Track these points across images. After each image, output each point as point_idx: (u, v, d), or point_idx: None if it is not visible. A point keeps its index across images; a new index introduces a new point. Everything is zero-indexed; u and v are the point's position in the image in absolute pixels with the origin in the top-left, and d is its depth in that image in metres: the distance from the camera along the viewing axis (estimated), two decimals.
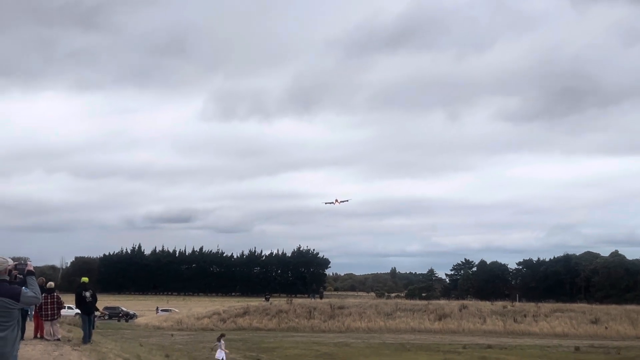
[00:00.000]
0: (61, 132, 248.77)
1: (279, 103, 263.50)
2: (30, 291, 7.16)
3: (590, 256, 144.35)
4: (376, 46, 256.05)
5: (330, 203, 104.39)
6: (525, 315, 57.46)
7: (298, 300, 71.91)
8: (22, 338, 8.02)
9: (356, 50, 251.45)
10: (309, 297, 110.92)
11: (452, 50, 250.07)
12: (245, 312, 60.53)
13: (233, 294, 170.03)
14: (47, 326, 20.64)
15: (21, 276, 7.52)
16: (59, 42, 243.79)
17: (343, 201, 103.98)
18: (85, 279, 22.88)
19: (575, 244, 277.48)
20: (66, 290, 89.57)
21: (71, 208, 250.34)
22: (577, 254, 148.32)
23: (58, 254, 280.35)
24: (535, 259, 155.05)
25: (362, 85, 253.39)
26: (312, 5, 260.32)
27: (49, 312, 20.38)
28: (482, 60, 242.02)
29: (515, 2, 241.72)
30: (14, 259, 7.63)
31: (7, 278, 7.14)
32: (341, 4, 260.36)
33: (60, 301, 21.05)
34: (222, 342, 27.82)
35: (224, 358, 27.41)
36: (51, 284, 21.63)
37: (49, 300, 20.35)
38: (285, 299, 72.82)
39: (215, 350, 28.29)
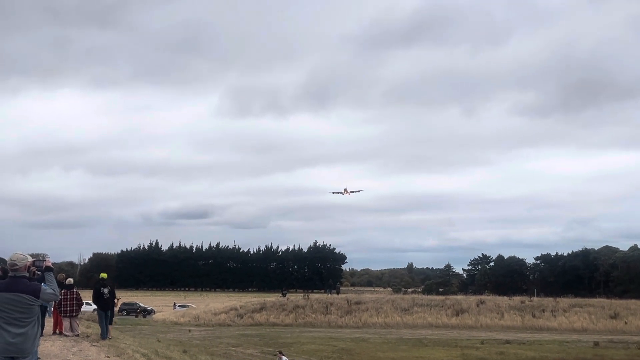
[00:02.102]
0: (78, 129, 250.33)
1: (294, 99, 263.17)
2: (49, 288, 7.18)
3: (609, 250, 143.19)
4: (391, 41, 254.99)
5: (338, 193, 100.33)
6: (543, 311, 57.16)
7: (315, 296, 71.99)
8: (41, 334, 8.05)
9: (371, 45, 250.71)
10: (325, 292, 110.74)
11: (467, 44, 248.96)
12: (262, 308, 60.68)
13: (250, 289, 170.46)
14: (66, 322, 20.74)
15: (39, 272, 7.54)
16: (75, 41, 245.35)
17: (354, 191, 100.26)
18: (104, 275, 22.93)
19: (594, 238, 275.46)
20: (84, 286, 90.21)
21: (89, 204, 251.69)
22: (596, 249, 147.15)
23: (76, 250, 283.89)
24: (553, 253, 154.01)
25: (377, 81, 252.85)
26: (326, 0, 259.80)
27: (68, 309, 20.47)
28: (498, 55, 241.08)
29: None
30: (32, 255, 7.65)
31: (27, 275, 7.17)
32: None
33: (80, 297, 21.13)
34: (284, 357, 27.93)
35: None
36: (70, 280, 21.71)
37: (69, 297, 20.44)
38: (302, 295, 72.90)
39: None
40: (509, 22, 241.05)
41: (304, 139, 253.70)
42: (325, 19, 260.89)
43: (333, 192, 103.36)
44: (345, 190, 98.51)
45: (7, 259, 7.31)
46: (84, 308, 27.07)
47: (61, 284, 19.52)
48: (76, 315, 21.05)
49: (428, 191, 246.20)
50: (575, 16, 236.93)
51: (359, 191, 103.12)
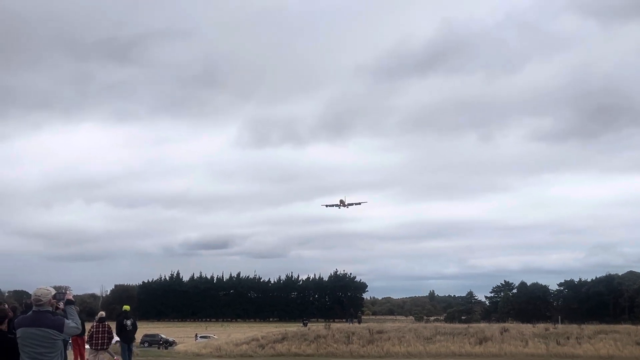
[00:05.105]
0: (100, 162, 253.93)
1: (312, 129, 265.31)
2: (72, 321, 7.24)
3: (633, 275, 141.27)
4: (406, 70, 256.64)
5: (334, 206, 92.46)
6: (568, 338, 56.24)
7: (336, 325, 71.40)
8: None
9: (386, 74, 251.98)
10: (346, 321, 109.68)
11: (482, 72, 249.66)
12: (284, 338, 60.26)
13: (271, 319, 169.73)
14: (93, 354, 20.78)
15: (61, 307, 7.62)
16: (96, 76, 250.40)
17: (353, 204, 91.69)
18: (127, 307, 23.08)
19: (617, 264, 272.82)
20: (107, 318, 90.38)
21: (110, 236, 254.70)
22: (620, 274, 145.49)
23: (98, 282, 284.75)
24: (576, 279, 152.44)
25: (394, 109, 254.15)
26: (341, 31, 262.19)
27: (100, 341, 20.57)
28: (513, 82, 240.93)
29: (543, 24, 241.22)
30: (55, 288, 7.74)
31: (50, 309, 7.24)
32: (370, 30, 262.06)
33: (111, 331, 21.24)
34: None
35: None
36: (102, 313, 21.95)
37: (100, 329, 20.56)
38: (323, 324, 72.38)
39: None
40: (524, 50, 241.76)
41: (322, 168, 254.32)
42: (341, 50, 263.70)
43: (327, 205, 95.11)
44: (341, 202, 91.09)
45: (31, 292, 7.39)
46: None
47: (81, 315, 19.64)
48: (106, 349, 21.17)
49: (448, 218, 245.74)
50: (589, 43, 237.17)
51: (359, 203, 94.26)
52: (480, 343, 55.91)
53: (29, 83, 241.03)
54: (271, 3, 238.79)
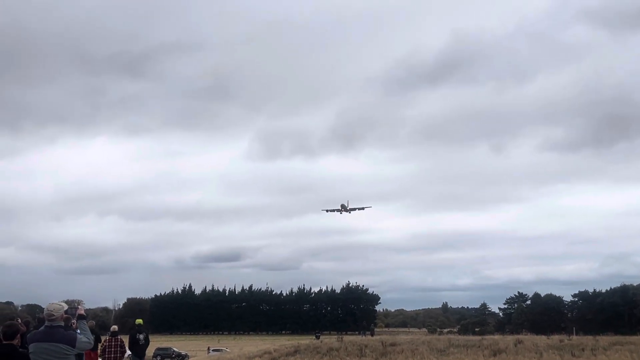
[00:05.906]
0: (112, 175, 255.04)
1: (323, 141, 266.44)
2: (84, 336, 7.24)
3: None
4: (417, 81, 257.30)
5: (335, 211, 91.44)
6: (583, 349, 55.60)
7: (349, 338, 71.02)
8: None
9: (397, 85, 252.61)
10: (359, 334, 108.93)
11: (493, 82, 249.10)
12: (296, 351, 59.93)
13: (283, 332, 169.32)
14: None
15: (74, 321, 7.61)
16: (108, 90, 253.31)
17: (355, 209, 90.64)
18: (139, 321, 23.06)
19: (631, 274, 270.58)
20: (119, 331, 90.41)
21: (123, 250, 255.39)
22: (635, 284, 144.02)
23: (110, 295, 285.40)
24: (590, 290, 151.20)
25: (405, 120, 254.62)
26: (351, 43, 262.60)
27: (112, 355, 20.58)
28: (524, 92, 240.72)
29: (554, 34, 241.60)
30: (67, 302, 7.74)
31: (62, 324, 7.24)
32: (381, 41, 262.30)
33: (123, 345, 21.28)
34: None
35: None
36: (115, 327, 21.95)
37: (113, 344, 20.57)
38: (336, 337, 72.10)
39: None
40: (535, 60, 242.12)
41: (334, 179, 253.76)
42: (351, 61, 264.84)
43: (327, 210, 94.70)
44: (342, 207, 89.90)
45: (44, 306, 7.40)
46: None
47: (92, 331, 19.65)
48: None
49: (460, 229, 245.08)
50: (600, 52, 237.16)
51: (362, 208, 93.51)
52: (494, 355, 55.41)
53: (43, 98, 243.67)
54: (281, 15, 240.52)
